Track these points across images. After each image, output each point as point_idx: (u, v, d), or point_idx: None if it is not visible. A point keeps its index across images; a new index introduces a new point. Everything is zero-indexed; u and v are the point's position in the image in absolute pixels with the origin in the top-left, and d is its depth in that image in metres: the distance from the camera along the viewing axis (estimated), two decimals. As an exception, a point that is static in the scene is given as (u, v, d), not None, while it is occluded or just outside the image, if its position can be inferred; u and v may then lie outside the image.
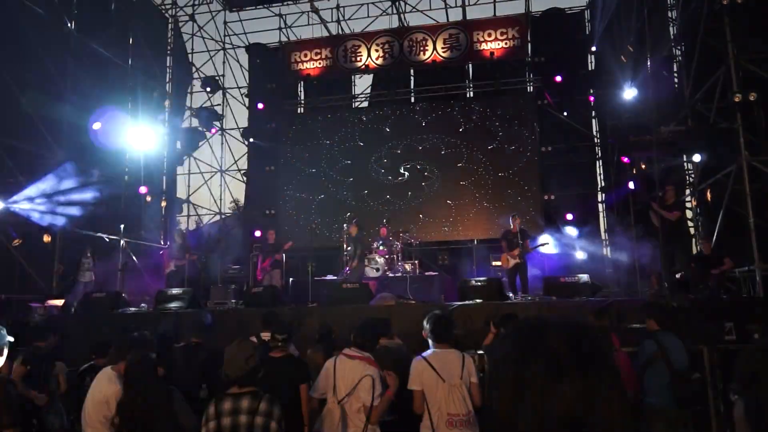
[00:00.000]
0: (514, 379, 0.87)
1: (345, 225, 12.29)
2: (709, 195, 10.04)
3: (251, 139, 16.41)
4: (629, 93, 12.29)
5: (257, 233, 15.33)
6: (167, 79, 16.91)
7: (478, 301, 8.12)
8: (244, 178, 17.14)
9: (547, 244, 10.97)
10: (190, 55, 17.48)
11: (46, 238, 11.13)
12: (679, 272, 8.61)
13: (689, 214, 11.90)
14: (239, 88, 17.41)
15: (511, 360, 0.90)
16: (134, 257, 13.50)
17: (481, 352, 5.71)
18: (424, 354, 3.93)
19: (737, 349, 5.93)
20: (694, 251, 10.93)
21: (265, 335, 5.41)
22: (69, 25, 12.34)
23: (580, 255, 12.46)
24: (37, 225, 11.03)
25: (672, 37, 11.92)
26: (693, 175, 11.58)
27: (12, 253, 10.48)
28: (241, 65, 17.66)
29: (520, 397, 0.85)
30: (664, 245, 8.31)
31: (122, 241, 13.06)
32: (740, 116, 8.58)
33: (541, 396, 0.84)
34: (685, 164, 11.58)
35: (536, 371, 0.86)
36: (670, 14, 12.36)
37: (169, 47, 17.10)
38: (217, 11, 17.44)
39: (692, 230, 11.60)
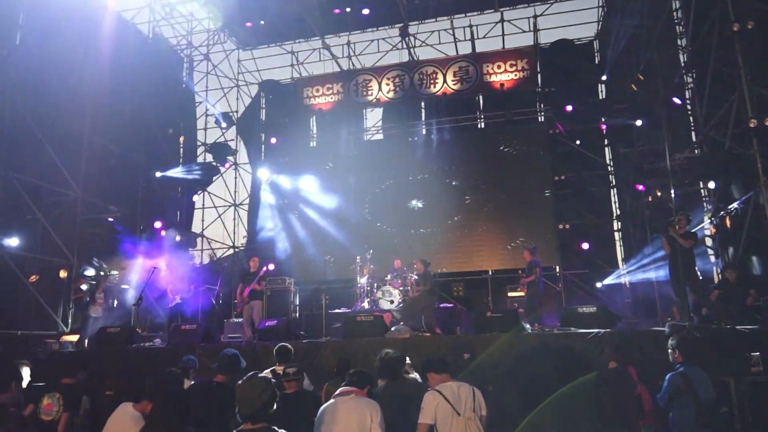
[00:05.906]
0: None
1: (358, 258, 12.21)
2: (728, 222, 9.86)
3: (265, 176, 16.54)
4: (641, 121, 12.27)
5: (271, 266, 15.33)
6: (182, 116, 17.21)
7: (495, 333, 7.96)
8: (254, 210, 17.16)
9: (534, 277, 9.87)
10: (204, 93, 17.82)
11: (63, 274, 11.20)
12: (696, 302, 8.41)
13: (708, 242, 11.68)
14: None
15: None
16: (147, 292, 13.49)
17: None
18: (437, 387, 3.89)
19: (765, 381, 5.71)
20: (715, 280, 10.71)
21: (280, 369, 5.36)
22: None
23: (597, 284, 12.26)
24: (53, 261, 11.12)
25: (682, 64, 11.92)
26: (711, 202, 11.42)
27: (29, 289, 10.53)
28: (254, 101, 17.96)
29: None
30: (675, 272, 8.15)
31: (136, 276, 13.07)
32: (756, 141, 8.49)
33: None
34: (702, 191, 11.42)
35: None
36: (679, 42, 12.39)
37: (183, 85, 17.46)
38: (230, 50, 17.87)
39: (712, 258, 11.36)
